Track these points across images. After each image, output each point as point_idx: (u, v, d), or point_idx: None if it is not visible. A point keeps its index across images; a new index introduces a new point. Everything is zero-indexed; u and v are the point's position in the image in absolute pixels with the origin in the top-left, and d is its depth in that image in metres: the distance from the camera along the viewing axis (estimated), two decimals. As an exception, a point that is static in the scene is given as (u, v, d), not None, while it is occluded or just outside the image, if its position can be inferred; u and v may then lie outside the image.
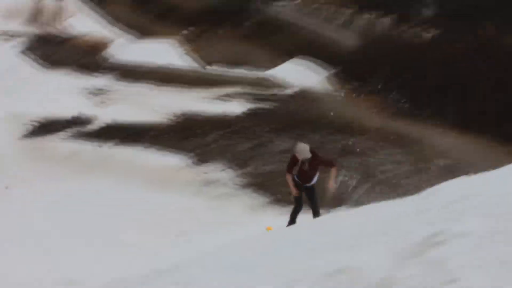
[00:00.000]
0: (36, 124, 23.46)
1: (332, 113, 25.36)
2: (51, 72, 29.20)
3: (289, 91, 32.91)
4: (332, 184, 9.98)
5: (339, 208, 15.38)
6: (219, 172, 19.76)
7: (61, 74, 30.09)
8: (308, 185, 10.07)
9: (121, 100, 27.17)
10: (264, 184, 18.83)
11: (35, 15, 40.52)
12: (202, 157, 21.02)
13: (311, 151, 9.70)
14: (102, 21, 38.91)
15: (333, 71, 38.40)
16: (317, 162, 9.89)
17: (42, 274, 11.73)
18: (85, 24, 39.05)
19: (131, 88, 29.70)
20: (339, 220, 7.53)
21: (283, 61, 40.49)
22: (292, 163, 9.90)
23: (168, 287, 6.65)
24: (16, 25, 43.42)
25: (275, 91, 32.75)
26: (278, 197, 17.86)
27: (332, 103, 29.71)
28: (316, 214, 10.31)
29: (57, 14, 40.62)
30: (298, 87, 34.21)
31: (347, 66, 29.70)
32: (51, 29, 39.20)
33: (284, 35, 46.67)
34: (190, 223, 15.30)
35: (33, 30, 38.75)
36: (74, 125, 23.61)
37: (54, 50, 34.71)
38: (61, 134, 22.59)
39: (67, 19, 40.55)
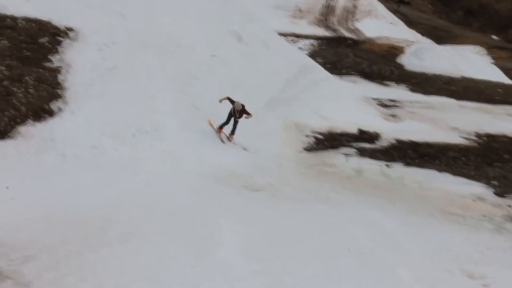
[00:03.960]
0: (318, 136, 22.08)
1: None
2: (339, 78, 28.13)
3: None
4: (247, 117, 18.65)
5: None
6: (528, 207, 17.04)
7: (348, 80, 29.22)
8: (236, 119, 18.75)
9: (414, 114, 25.36)
10: None
11: (326, 14, 40.66)
12: (507, 187, 18.28)
13: (242, 106, 18.29)
14: (398, 22, 37.47)
15: None
16: (243, 112, 18.47)
17: None
18: (377, 25, 38.43)
19: (427, 101, 28.20)
20: None
21: None
22: (233, 108, 18.63)
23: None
24: (304, 25, 44.66)
25: None
26: None
27: None
28: (232, 132, 18.87)
29: (350, 13, 40.22)
30: None
31: None
32: (341, 30, 38.79)
33: None
34: (485, 264, 12.66)
35: (321, 31, 39.05)
36: (360, 140, 22.11)
37: (344, 53, 33.95)
38: (345, 149, 20.95)
39: (359, 20, 40.25)
